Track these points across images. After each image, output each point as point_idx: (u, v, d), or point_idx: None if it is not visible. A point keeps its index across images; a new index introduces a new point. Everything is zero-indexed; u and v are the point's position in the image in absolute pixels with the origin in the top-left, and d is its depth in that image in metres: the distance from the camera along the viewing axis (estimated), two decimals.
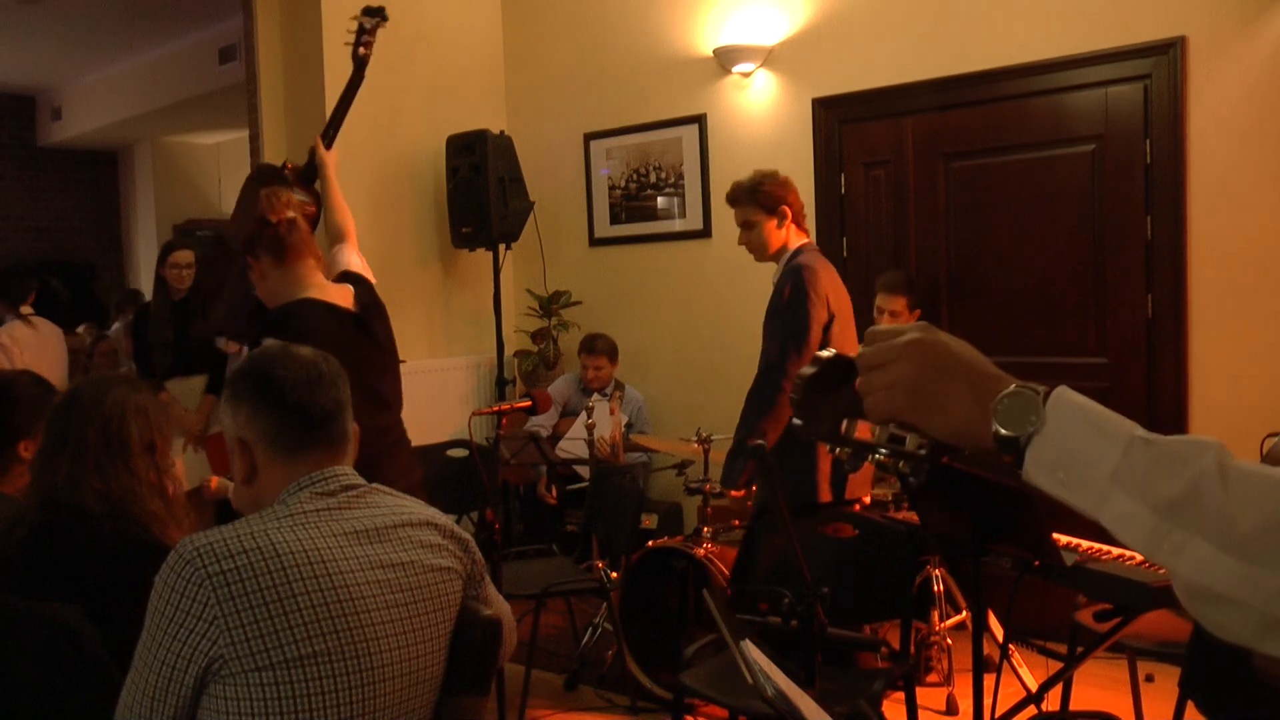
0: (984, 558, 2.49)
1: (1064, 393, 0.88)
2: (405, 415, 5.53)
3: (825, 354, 1.06)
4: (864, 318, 4.57)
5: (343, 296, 3.01)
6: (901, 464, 1.04)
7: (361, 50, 3.73)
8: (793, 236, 3.59)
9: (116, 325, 7.40)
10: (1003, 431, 0.89)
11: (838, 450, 1.06)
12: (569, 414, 5.32)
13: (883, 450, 1.04)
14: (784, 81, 5.07)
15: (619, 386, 5.39)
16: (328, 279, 3.09)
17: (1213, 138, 4.00)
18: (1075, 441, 0.86)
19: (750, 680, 1.50)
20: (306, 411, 1.64)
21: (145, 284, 8.98)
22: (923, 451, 1.02)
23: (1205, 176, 4.02)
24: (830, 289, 3.48)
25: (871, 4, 4.75)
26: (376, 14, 3.73)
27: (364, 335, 2.99)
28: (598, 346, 5.32)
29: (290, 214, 2.99)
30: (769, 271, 5.23)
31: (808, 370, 1.05)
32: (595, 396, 5.12)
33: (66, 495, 1.98)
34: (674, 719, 2.93)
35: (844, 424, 1.04)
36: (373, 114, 5.47)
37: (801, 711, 1.41)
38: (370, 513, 1.64)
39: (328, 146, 3.78)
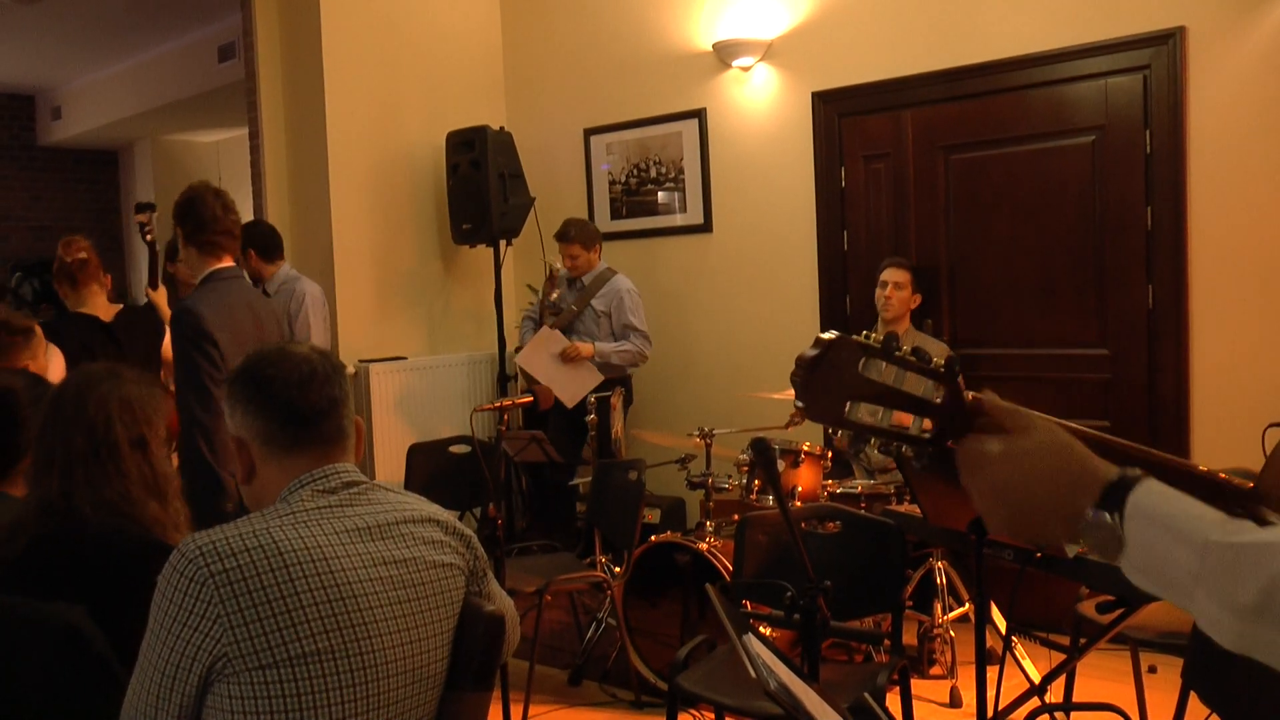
0: (985, 550, 2.49)
1: (1142, 500, 0.94)
2: (407, 411, 5.56)
3: (828, 336, 1.05)
4: (868, 303, 4.57)
5: (105, 312, 3.97)
6: (905, 448, 1.04)
7: (148, 236, 4.42)
8: (197, 263, 3.30)
9: None
10: (1096, 558, 0.98)
11: (839, 433, 1.06)
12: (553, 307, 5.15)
13: (887, 434, 1.04)
14: (783, 75, 5.07)
15: (608, 280, 5.10)
16: None
17: (1212, 128, 3.99)
18: (1156, 550, 0.94)
19: (753, 674, 1.50)
20: (298, 410, 1.64)
21: None
22: (925, 435, 1.02)
23: (1205, 166, 4.01)
24: (215, 328, 3.14)
25: None
26: (146, 208, 4.52)
27: (109, 340, 3.87)
28: (570, 234, 5.02)
29: (82, 255, 3.93)
30: (770, 266, 5.26)
31: (810, 353, 1.04)
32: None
33: (61, 505, 1.97)
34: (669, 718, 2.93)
35: (846, 406, 1.04)
36: (372, 111, 5.47)
37: (805, 705, 1.41)
38: (372, 509, 1.64)
39: (154, 288, 4.34)
